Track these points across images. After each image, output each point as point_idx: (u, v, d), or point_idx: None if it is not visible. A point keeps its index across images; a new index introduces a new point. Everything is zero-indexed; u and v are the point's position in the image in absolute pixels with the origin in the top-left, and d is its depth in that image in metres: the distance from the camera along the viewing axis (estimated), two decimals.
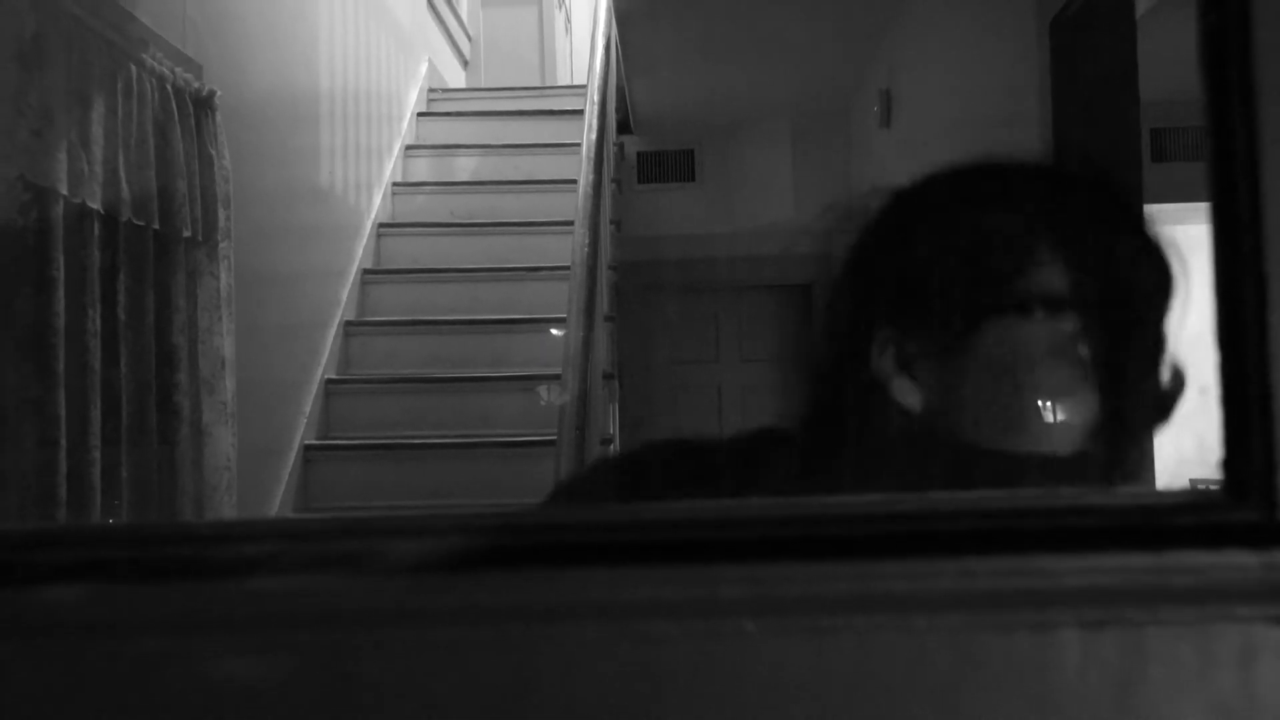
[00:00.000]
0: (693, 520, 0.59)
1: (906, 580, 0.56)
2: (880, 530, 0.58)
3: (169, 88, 2.38)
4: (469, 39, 6.42)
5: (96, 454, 1.88)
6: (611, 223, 4.33)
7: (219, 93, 2.63)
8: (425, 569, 0.56)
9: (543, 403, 3.74)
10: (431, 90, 5.34)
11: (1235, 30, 0.58)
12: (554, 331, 3.94)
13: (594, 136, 3.70)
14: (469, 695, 0.56)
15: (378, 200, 4.45)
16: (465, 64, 6.36)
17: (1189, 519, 0.57)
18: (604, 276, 3.62)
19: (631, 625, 0.56)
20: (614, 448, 3.70)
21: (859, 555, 0.56)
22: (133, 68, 2.23)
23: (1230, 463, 0.58)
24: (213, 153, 2.58)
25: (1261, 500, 0.56)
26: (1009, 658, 0.56)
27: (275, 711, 0.57)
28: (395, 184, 4.65)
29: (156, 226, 2.28)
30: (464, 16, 6.31)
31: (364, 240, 4.26)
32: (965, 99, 3.05)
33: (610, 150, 4.37)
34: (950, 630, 0.56)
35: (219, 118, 2.62)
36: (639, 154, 5.57)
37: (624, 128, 5.17)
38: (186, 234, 2.42)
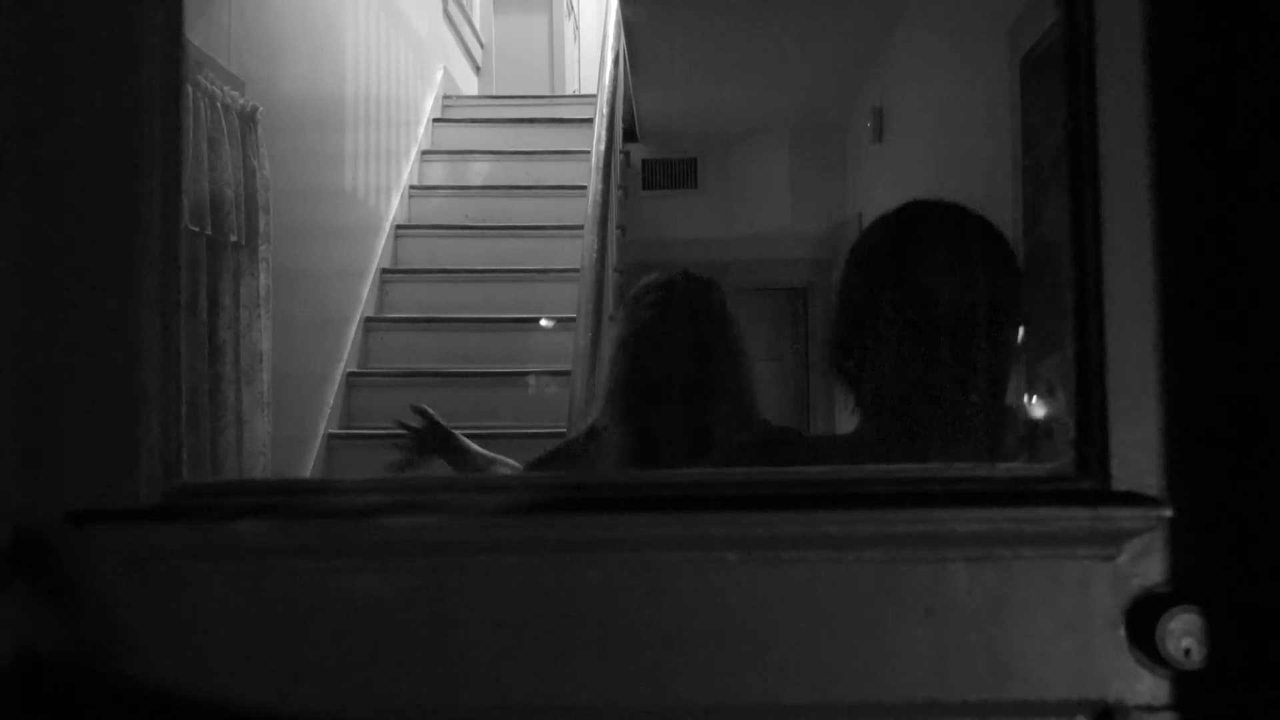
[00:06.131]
0: (691, 481, 0.83)
1: (842, 526, 0.79)
2: (824, 490, 0.81)
3: (219, 105, 2.61)
4: (481, 46, 6.65)
5: None
6: (618, 227, 4.55)
7: (261, 108, 2.86)
8: (502, 513, 0.79)
9: (530, 392, 3.97)
10: (446, 97, 5.56)
11: (1088, 137, 0.81)
12: (544, 322, 4.18)
13: (603, 147, 3.93)
14: (532, 601, 0.79)
15: (395, 203, 4.67)
16: (478, 70, 6.58)
17: (1045, 485, 0.81)
18: (610, 279, 3.84)
19: (646, 555, 0.79)
20: None
21: (809, 507, 0.79)
22: (189, 88, 2.46)
23: (1078, 446, 0.81)
24: (255, 163, 2.81)
25: (1098, 473, 0.79)
26: (914, 582, 0.79)
27: (394, 614, 0.80)
28: (412, 187, 4.87)
29: (209, 232, 2.51)
30: (477, 24, 6.53)
31: (383, 241, 4.48)
32: (948, 120, 3.27)
33: (617, 159, 4.60)
34: (873, 562, 0.79)
35: (260, 130, 2.85)
36: (644, 161, 5.79)
37: (630, 136, 5.39)
38: (233, 238, 2.65)
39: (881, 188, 4.39)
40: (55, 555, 0.79)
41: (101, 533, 0.78)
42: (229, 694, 0.80)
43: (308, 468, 3.59)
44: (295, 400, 3.51)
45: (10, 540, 0.78)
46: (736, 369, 1.72)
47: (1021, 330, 1.06)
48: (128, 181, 0.81)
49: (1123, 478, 0.79)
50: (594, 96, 4.47)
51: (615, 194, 4.30)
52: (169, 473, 0.82)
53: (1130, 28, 0.80)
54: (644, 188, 5.83)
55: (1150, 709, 0.76)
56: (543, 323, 4.19)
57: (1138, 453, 0.79)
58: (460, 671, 0.80)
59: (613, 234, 4.03)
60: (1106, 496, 0.79)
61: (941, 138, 3.33)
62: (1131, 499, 0.78)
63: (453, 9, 5.78)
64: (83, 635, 0.80)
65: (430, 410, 1.94)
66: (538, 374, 4.03)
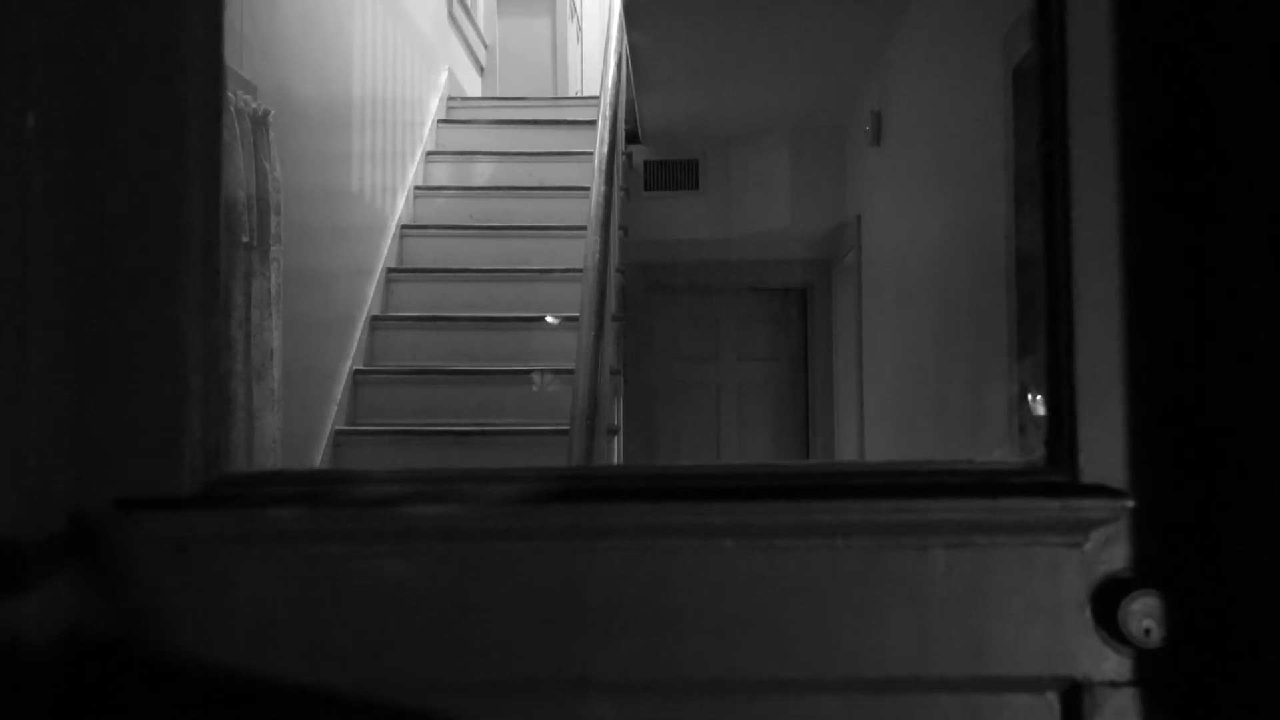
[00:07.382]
0: (693, 473, 0.89)
1: (831, 514, 0.85)
2: (815, 482, 0.88)
3: (232, 109, 2.68)
4: (485, 46, 6.71)
5: None
6: (620, 228, 4.61)
7: (273, 112, 2.92)
8: (517, 502, 0.86)
9: (534, 389, 4.04)
10: (451, 98, 5.62)
11: (1059, 156, 0.87)
12: (549, 319, 4.25)
13: (605, 150, 3.99)
14: (543, 584, 0.85)
15: (401, 203, 4.73)
16: (481, 71, 6.65)
17: (1019, 478, 0.87)
18: (612, 279, 3.90)
19: (650, 542, 0.86)
20: (619, 438, 3.98)
21: (801, 497, 0.85)
22: None
23: (1049, 442, 0.87)
24: (267, 166, 2.87)
25: (1067, 466, 0.86)
26: (898, 566, 0.85)
27: (415, 595, 0.86)
28: (417, 188, 4.93)
29: None
30: (481, 25, 6.60)
31: (388, 240, 4.54)
32: (945, 125, 3.34)
33: (620, 160, 4.66)
34: (861, 548, 0.86)
35: (272, 134, 2.91)
36: (646, 163, 5.87)
37: (632, 138, 5.46)
38: (245, 239, 2.72)
39: (880, 190, 4.45)
40: (104, 540, 0.85)
41: (147, 519, 0.85)
42: (262, 668, 0.86)
43: (315, 463, 3.65)
44: (303, 397, 3.58)
45: (63, 526, 0.85)
46: None
47: None
48: (172, 192, 0.88)
49: (1090, 471, 0.85)
50: (596, 98, 4.53)
51: (618, 195, 4.37)
52: (210, 463, 0.88)
53: (1100, 54, 0.87)
54: (646, 189, 5.90)
55: (1114, 684, 0.83)
56: (548, 319, 4.26)
57: (1104, 448, 0.85)
58: (476, 648, 0.86)
59: (615, 234, 4.09)
60: (1075, 488, 0.85)
61: (939, 141, 3.40)
62: (1098, 491, 0.85)
63: (457, 11, 5.85)
64: (129, 614, 0.86)
65: None
66: (541, 372, 4.09)
